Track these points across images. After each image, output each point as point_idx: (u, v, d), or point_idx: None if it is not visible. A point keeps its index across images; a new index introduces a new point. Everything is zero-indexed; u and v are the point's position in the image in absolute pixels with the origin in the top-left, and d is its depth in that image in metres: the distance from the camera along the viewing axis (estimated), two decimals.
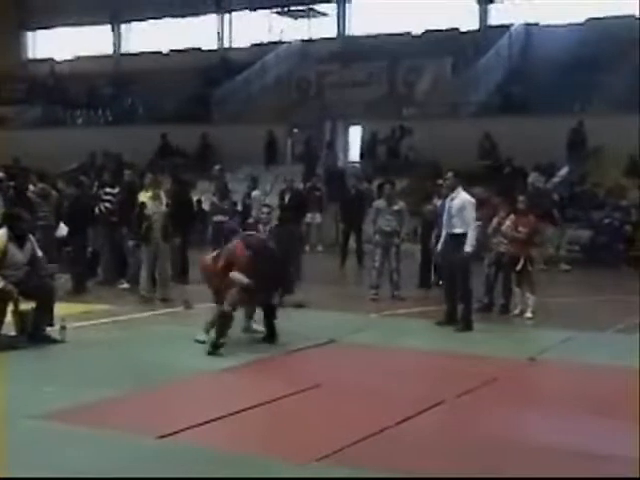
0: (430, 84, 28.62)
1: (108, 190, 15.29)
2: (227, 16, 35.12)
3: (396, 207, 14.12)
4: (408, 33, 31.07)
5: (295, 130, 29.76)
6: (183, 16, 35.16)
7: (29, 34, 39.28)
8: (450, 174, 11.68)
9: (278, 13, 33.86)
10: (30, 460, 5.95)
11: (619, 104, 24.29)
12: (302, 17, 33.53)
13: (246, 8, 34.34)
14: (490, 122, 25.48)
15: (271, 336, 10.12)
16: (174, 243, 14.40)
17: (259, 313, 10.36)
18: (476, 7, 30.53)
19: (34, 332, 9.83)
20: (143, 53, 35.81)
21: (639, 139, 21.77)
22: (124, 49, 37.31)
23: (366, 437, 6.49)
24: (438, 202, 13.25)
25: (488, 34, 29.60)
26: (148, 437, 6.44)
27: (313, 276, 15.82)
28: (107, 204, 15.03)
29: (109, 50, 37.28)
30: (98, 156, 28.04)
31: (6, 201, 15.24)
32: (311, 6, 33.01)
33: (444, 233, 11.58)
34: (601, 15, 27.96)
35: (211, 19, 35.21)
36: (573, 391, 8.42)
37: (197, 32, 35.02)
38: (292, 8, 33.20)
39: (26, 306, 9.89)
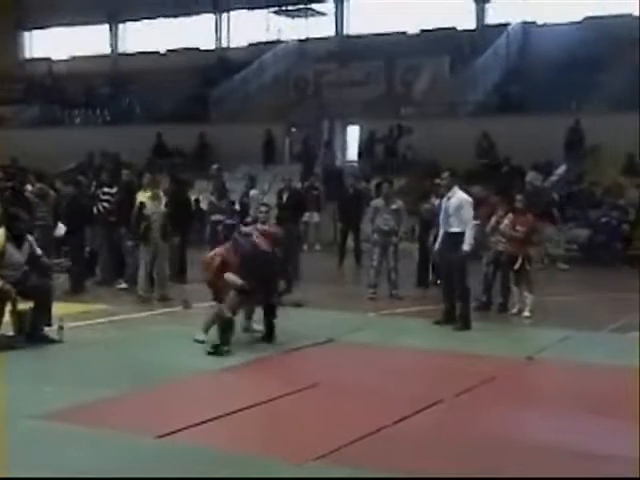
0: (428, 83, 28.62)
1: (106, 190, 15.28)
2: (224, 15, 35.13)
3: (394, 206, 14.13)
4: (405, 32, 31.10)
5: (293, 129, 29.76)
6: (180, 16, 35.13)
7: (26, 34, 39.27)
8: (446, 174, 11.70)
9: (275, 12, 33.86)
10: (30, 460, 5.95)
11: (617, 103, 24.30)
12: (299, 16, 33.53)
13: (243, 7, 34.32)
14: (488, 121, 25.50)
15: (269, 335, 10.13)
16: (173, 243, 14.40)
17: (259, 312, 10.36)
18: (473, 6, 30.54)
19: (32, 332, 9.83)
20: (140, 53, 35.80)
21: (638, 138, 21.76)
22: (121, 49, 37.31)
23: (364, 436, 6.50)
24: (436, 201, 13.27)
25: (485, 33, 29.62)
26: (147, 437, 6.45)
27: (311, 275, 15.84)
28: (105, 204, 15.02)
29: (107, 50, 37.27)
30: (96, 156, 28.02)
31: (4, 201, 15.22)
32: (308, 5, 33.01)
33: (441, 232, 11.59)
34: (599, 14, 27.95)
35: (208, 19, 35.20)
36: (571, 390, 8.43)
37: (194, 32, 35.00)
38: (289, 7, 33.20)
39: (24, 306, 9.89)
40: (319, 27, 33.06)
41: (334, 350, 10.06)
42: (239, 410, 7.21)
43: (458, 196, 11.41)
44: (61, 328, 9.87)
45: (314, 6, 33.16)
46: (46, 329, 9.90)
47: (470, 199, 11.52)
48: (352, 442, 6.35)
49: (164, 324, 11.62)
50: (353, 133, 29.59)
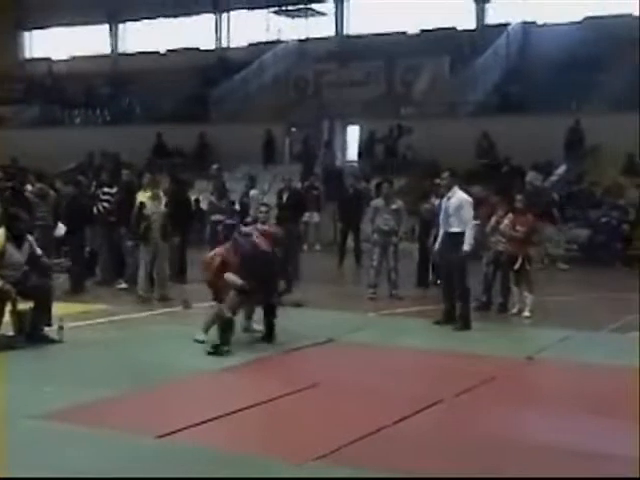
0: (428, 83, 28.62)
1: (106, 190, 15.28)
2: (224, 15, 35.13)
3: (394, 206, 14.13)
4: (405, 32, 31.10)
5: (293, 129, 29.76)
6: (180, 16, 35.13)
7: (26, 34, 39.28)
8: (446, 174, 11.70)
9: (275, 12, 33.86)
10: (30, 460, 5.95)
11: (617, 103, 24.31)
12: (299, 16, 33.53)
13: (243, 7, 34.33)
14: (488, 121, 25.50)
15: (269, 335, 10.13)
16: (173, 242, 14.41)
17: (259, 312, 10.36)
18: (473, 6, 30.54)
19: (32, 332, 9.83)
20: (140, 53, 35.81)
21: (638, 138, 21.75)
22: (121, 49, 37.31)
23: (364, 436, 6.50)
24: (436, 201, 13.27)
25: (485, 33, 29.62)
26: (147, 437, 6.45)
27: (311, 275, 15.84)
28: (105, 204, 15.02)
29: (107, 50, 37.27)
30: (96, 156, 28.03)
31: (4, 201, 15.22)
32: (308, 5, 33.01)
33: (441, 232, 11.59)
34: (599, 14, 27.95)
35: (208, 19, 35.20)
36: (571, 390, 8.43)
37: (194, 32, 35.00)
38: (290, 7, 33.20)
39: (24, 306, 9.89)
40: (319, 27, 33.06)
41: (334, 350, 10.06)
42: (239, 410, 7.21)
43: (458, 196, 11.41)
44: (61, 328, 9.87)
45: (314, 6, 33.16)
46: (46, 329, 9.90)
47: (470, 199, 11.52)
48: (352, 442, 6.35)
49: (164, 324, 11.62)
50: (353, 133, 29.60)
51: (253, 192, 19.13)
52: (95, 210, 15.04)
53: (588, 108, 24.90)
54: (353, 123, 29.45)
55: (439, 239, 11.70)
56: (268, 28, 34.17)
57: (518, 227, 12.39)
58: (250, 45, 34.07)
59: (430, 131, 25.26)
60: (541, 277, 14.46)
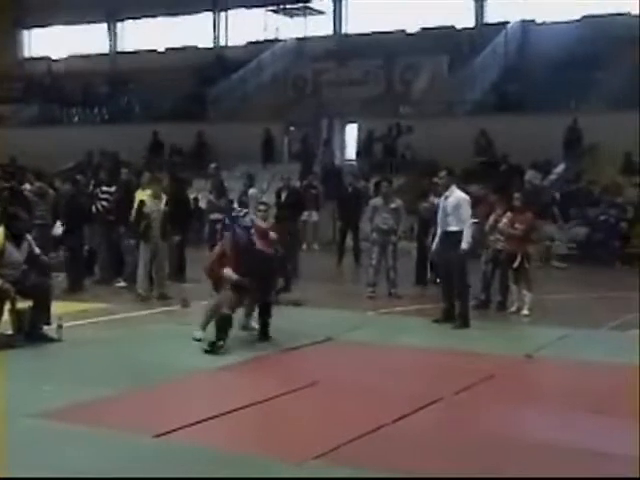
0: (427, 82, 28.62)
1: (105, 189, 15.29)
2: (223, 14, 35.13)
3: (393, 205, 14.13)
4: (404, 31, 31.09)
5: (292, 128, 29.76)
6: (179, 14, 35.11)
7: (25, 33, 39.26)
8: (444, 173, 11.71)
9: (274, 11, 33.84)
10: (29, 459, 5.95)
11: (615, 102, 24.32)
12: (298, 15, 33.51)
13: (242, 6, 34.31)
14: (486, 120, 25.51)
15: (264, 334, 10.12)
16: (172, 241, 14.41)
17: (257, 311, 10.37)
18: (472, 4, 30.54)
19: (31, 331, 9.83)
20: (139, 51, 35.82)
21: (638, 137, 21.74)
22: (120, 47, 37.30)
23: (363, 435, 6.49)
24: (435, 200, 13.26)
25: (484, 32, 29.61)
26: (145, 436, 6.44)
27: (310, 274, 15.84)
28: (104, 203, 15.02)
29: (105, 49, 37.27)
30: (95, 155, 28.03)
31: (2, 201, 15.23)
32: (307, 4, 33.00)
33: (439, 231, 11.59)
34: (597, 13, 27.97)
35: (207, 17, 35.20)
36: (570, 388, 8.42)
37: (193, 30, 35.00)
38: (288, 6, 33.19)
39: (23, 305, 9.89)
40: (317, 26, 33.04)
41: (333, 349, 10.06)
42: (237, 409, 7.20)
43: (456, 195, 11.42)
44: (60, 327, 9.88)
45: (312, 5, 33.17)
46: (45, 328, 9.90)
47: (468, 198, 11.54)
48: (351, 441, 6.35)
49: (163, 323, 11.62)
50: (352, 132, 29.60)
51: (252, 191, 19.07)
52: (94, 209, 15.04)
53: (586, 107, 24.93)
54: (352, 122, 29.46)
55: (437, 238, 11.70)
56: (266, 27, 34.17)
57: (517, 225, 12.39)
58: (248, 44, 34.06)
59: (429, 130, 25.25)
60: (540, 275, 14.47)
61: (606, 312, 12.68)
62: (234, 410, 7.17)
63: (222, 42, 35.17)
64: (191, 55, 34.05)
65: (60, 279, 13.71)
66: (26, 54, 39.34)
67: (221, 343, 9.34)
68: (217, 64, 33.67)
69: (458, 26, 30.62)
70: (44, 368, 8.89)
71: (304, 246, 20.39)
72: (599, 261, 19.35)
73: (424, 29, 30.69)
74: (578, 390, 8.27)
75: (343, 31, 32.81)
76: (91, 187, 16.38)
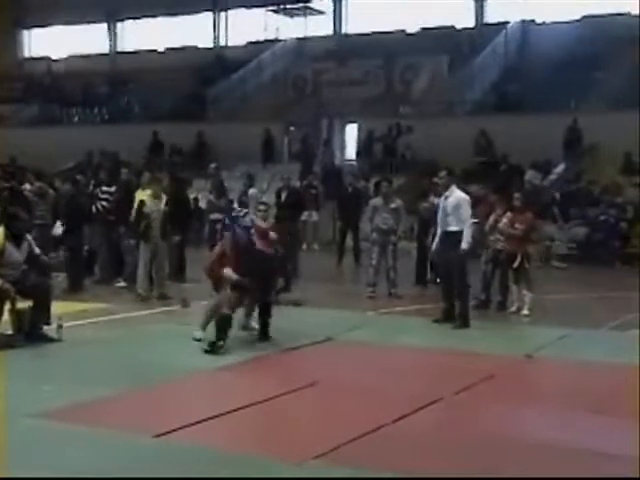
0: (427, 82, 28.62)
1: (105, 189, 15.29)
2: (223, 14, 35.13)
3: (393, 205, 14.13)
4: (404, 31, 31.09)
5: (292, 128, 29.76)
6: (179, 14, 35.11)
7: (25, 33, 39.27)
8: (443, 173, 11.72)
9: (274, 11, 33.84)
10: (28, 459, 5.95)
11: (615, 102, 24.32)
12: (298, 15, 33.52)
13: (242, 6, 34.31)
14: (486, 120, 25.51)
15: (264, 334, 10.12)
16: (172, 241, 14.41)
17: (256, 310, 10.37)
18: (472, 4, 30.54)
19: (31, 331, 9.83)
20: (139, 51, 35.82)
21: (638, 137, 21.73)
22: (120, 47, 37.31)
23: (363, 435, 6.49)
24: (435, 200, 13.26)
25: (484, 32, 29.61)
26: (144, 436, 6.44)
27: (310, 274, 15.84)
28: (104, 203, 15.02)
29: (105, 49, 37.27)
30: (95, 155, 28.04)
31: (3, 201, 15.24)
32: (307, 4, 33.00)
33: (439, 231, 11.59)
34: (597, 13, 27.97)
35: (207, 17, 35.20)
36: (570, 388, 8.42)
37: (193, 30, 35.01)
38: (288, 6, 33.20)
39: (23, 305, 9.89)
40: (317, 26, 33.05)
41: (333, 349, 10.06)
42: (237, 409, 7.20)
43: (456, 195, 11.42)
44: (60, 327, 9.88)
45: (312, 5, 33.17)
46: (45, 328, 9.90)
47: (468, 198, 11.54)
48: (351, 441, 6.35)
49: (163, 323, 11.61)
50: (352, 132, 29.60)
51: (252, 191, 19.07)
52: (94, 209, 15.05)
53: (586, 107, 24.93)
54: (352, 122, 29.46)
55: (437, 238, 11.70)
56: (266, 27, 34.18)
57: (517, 225, 12.39)
58: (248, 44, 34.07)
59: (429, 130, 25.27)
60: (540, 275, 14.46)
61: (606, 312, 12.67)
62: (234, 410, 7.16)
63: (222, 42, 35.18)
64: (191, 55, 34.05)
65: (60, 279, 13.72)
66: (26, 54, 39.34)
67: (221, 343, 9.34)
68: (217, 64, 33.67)
69: (458, 26, 30.62)
70: (44, 368, 8.90)
71: (304, 246, 20.39)
72: (599, 261, 19.35)
73: (424, 29, 30.69)
74: (578, 390, 8.27)
75: (343, 31, 32.82)
76: (91, 187, 16.39)
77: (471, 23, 30.60)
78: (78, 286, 14.10)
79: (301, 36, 33.21)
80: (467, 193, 11.83)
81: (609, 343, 10.55)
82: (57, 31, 37.92)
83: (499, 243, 12.59)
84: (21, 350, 9.51)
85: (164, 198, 13.64)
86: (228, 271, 9.69)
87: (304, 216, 20.14)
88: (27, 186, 17.06)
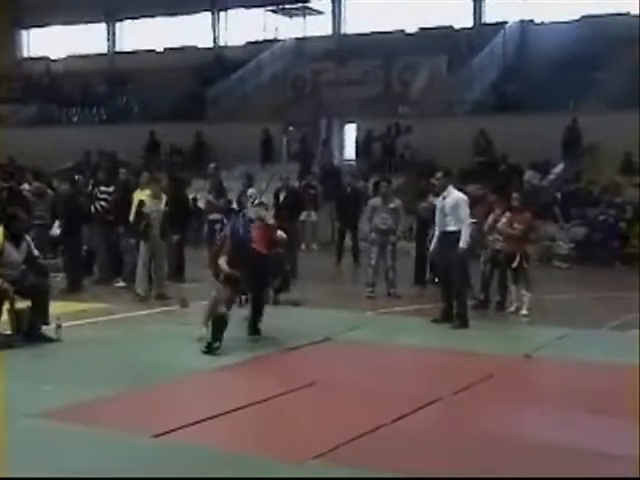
0: (425, 82, 28.63)
1: (103, 189, 15.28)
2: (222, 14, 35.13)
3: (392, 205, 14.12)
4: (403, 31, 31.10)
5: (290, 128, 29.76)
6: (177, 14, 35.11)
7: (24, 32, 39.25)
8: (440, 174, 11.73)
9: (273, 11, 33.85)
10: (28, 459, 5.94)
11: (614, 102, 24.32)
12: (297, 15, 33.51)
13: (241, 6, 34.32)
14: (485, 120, 25.52)
15: (254, 328, 10.12)
16: (171, 241, 14.41)
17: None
18: (471, 4, 30.54)
19: (30, 331, 9.83)
20: (138, 51, 35.81)
21: (638, 137, 21.72)
22: (118, 47, 37.30)
23: (362, 435, 6.49)
24: (434, 200, 13.26)
25: (483, 32, 29.62)
26: (143, 436, 6.44)
27: (309, 274, 15.83)
28: (103, 203, 15.02)
29: (104, 48, 37.26)
30: (93, 155, 28.02)
31: (1, 201, 15.24)
32: (306, 4, 33.00)
33: (437, 231, 11.59)
34: (596, 13, 27.99)
35: (206, 17, 35.20)
36: (569, 388, 8.42)
37: (192, 30, 35.01)
38: (287, 6, 33.20)
39: (22, 305, 9.88)
40: (317, 26, 33.05)
41: (332, 349, 10.06)
42: (236, 409, 7.20)
43: (454, 195, 11.43)
44: (59, 327, 9.87)
45: (311, 5, 33.16)
46: (44, 328, 9.89)
47: (466, 197, 11.55)
48: (350, 441, 6.34)
49: (162, 323, 11.61)
50: (351, 132, 29.59)
51: (251, 191, 19.11)
52: (93, 209, 15.04)
53: (586, 107, 24.93)
54: (351, 122, 29.46)
55: (435, 238, 11.69)
56: (265, 27, 34.18)
57: (515, 225, 12.38)
58: (247, 44, 34.06)
59: (428, 130, 25.27)
60: (539, 275, 14.45)
61: (606, 312, 12.66)
62: (233, 410, 7.16)
63: (221, 42, 35.17)
64: (190, 55, 34.04)
65: (59, 279, 13.71)
66: (25, 54, 39.33)
67: (217, 344, 9.32)
68: (216, 64, 33.66)
69: (457, 26, 30.62)
70: (43, 368, 8.89)
71: (303, 246, 20.38)
72: (598, 261, 19.34)
73: (423, 29, 30.70)
74: (577, 390, 8.26)
75: (342, 31, 32.82)
76: (90, 187, 16.38)
77: (470, 23, 30.60)
78: (77, 286, 14.09)
79: (300, 36, 33.21)
80: (465, 193, 11.84)
81: (609, 343, 10.54)
82: (56, 31, 37.91)
83: (498, 243, 12.58)
84: (20, 350, 9.51)
85: (164, 198, 13.65)
86: (222, 261, 9.72)
87: (303, 216, 20.14)
88: (26, 186, 17.07)
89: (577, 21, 28.46)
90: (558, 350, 10.06)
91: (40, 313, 9.89)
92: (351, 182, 20.53)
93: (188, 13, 35.13)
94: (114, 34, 37.32)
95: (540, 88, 26.10)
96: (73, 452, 6.13)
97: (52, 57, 37.51)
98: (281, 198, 17.29)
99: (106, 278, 14.98)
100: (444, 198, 11.46)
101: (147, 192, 13.51)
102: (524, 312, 12.21)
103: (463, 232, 11.19)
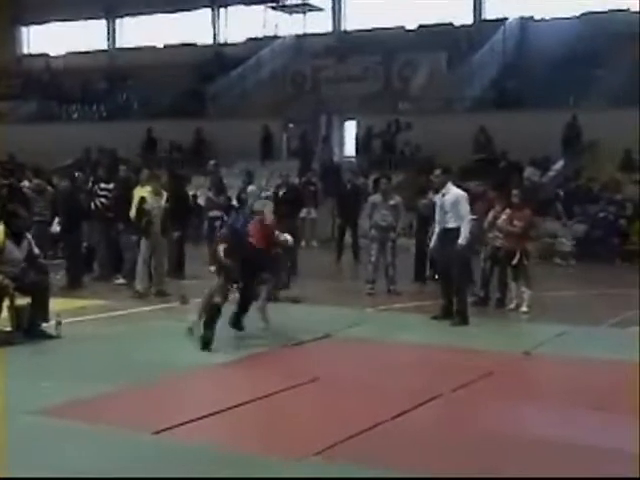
0: (425, 79, 28.61)
1: (103, 186, 15.28)
2: (222, 11, 35.11)
3: (392, 202, 14.12)
4: (403, 27, 31.10)
5: (290, 125, 29.74)
6: (177, 11, 35.08)
7: (24, 29, 39.23)
8: (438, 171, 11.73)
9: (273, 8, 33.79)
10: (28, 456, 5.94)
11: (615, 98, 24.33)
12: (297, 12, 33.47)
13: (241, 2, 34.30)
14: (485, 117, 25.52)
15: (237, 321, 10.02)
16: (171, 237, 14.41)
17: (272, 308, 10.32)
18: (470, 1, 30.52)
19: (30, 328, 9.83)
20: (137, 48, 35.76)
21: (638, 134, 21.71)
22: (118, 44, 37.27)
23: (362, 431, 6.49)
24: (434, 197, 13.26)
25: (482, 28, 29.61)
26: (144, 433, 6.44)
27: (309, 271, 15.83)
28: (102, 199, 15.02)
29: (104, 45, 37.25)
30: (93, 152, 28.01)
31: (1, 198, 15.24)
32: (306, 1, 32.96)
33: (437, 229, 11.59)
34: (597, 9, 27.97)
35: (205, 14, 35.18)
36: (568, 385, 8.43)
37: (192, 27, 34.98)
38: (287, 3, 33.16)
39: (22, 302, 9.89)
40: (316, 22, 33.02)
41: (332, 345, 10.06)
42: (236, 405, 7.20)
43: (453, 192, 11.43)
44: (59, 323, 9.88)
45: (311, 1, 33.08)
46: (44, 325, 9.90)
47: (465, 194, 11.54)
48: (350, 437, 6.34)
49: (162, 319, 11.61)
50: (351, 128, 29.58)
51: (251, 188, 19.11)
52: (92, 206, 15.04)
53: (586, 104, 24.92)
54: (351, 118, 29.44)
55: (435, 235, 11.69)
56: (265, 23, 34.11)
57: (515, 222, 12.37)
58: (247, 40, 34.03)
59: (427, 127, 25.26)
60: (539, 272, 14.45)
61: (606, 309, 12.67)
62: (234, 406, 7.16)
63: (221, 39, 35.15)
64: (190, 52, 34.03)
65: (59, 277, 13.71)
66: (24, 51, 39.32)
67: (209, 335, 9.29)
68: (216, 61, 33.64)
69: (456, 23, 30.59)
70: (43, 365, 8.90)
71: (302, 243, 20.38)
72: (598, 258, 19.34)
73: (423, 26, 30.68)
74: (577, 387, 8.27)
75: (342, 28, 32.81)
76: (89, 184, 16.38)
77: (469, 20, 30.58)
78: (77, 283, 14.10)
79: (300, 33, 33.17)
80: (465, 190, 11.84)
81: (609, 340, 10.55)
82: (55, 28, 37.88)
83: (498, 240, 12.58)
84: (20, 347, 9.51)
85: (165, 195, 13.65)
86: (220, 248, 9.75)
87: (303, 213, 20.15)
88: (26, 183, 17.06)
89: (577, 18, 28.45)
90: (558, 347, 10.06)
91: (40, 310, 9.89)
92: (351, 179, 20.53)
93: (188, 10, 35.11)
94: (114, 31, 37.30)
95: (540, 85, 26.10)
96: (73, 449, 6.14)
97: (52, 54, 37.48)
98: (281, 195, 17.29)
99: (106, 275, 14.99)
100: (443, 195, 11.47)
101: (148, 189, 13.50)
102: (524, 309, 12.22)
103: (463, 228, 11.19)
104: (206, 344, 9.27)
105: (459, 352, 9.65)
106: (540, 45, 28.23)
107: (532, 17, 29.71)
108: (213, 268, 9.87)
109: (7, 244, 9.81)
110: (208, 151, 27.46)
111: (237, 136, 27.08)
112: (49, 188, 16.20)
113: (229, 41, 34.96)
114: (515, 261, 12.26)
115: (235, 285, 10.12)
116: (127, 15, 36.84)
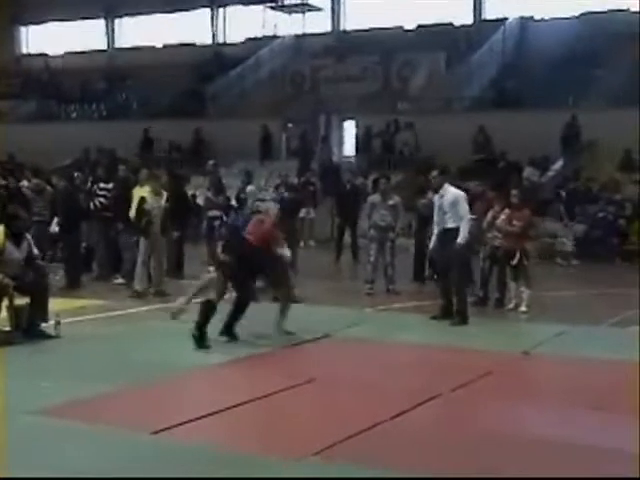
0: (424, 79, 28.61)
1: (102, 185, 15.28)
2: (221, 11, 35.10)
3: (391, 202, 14.12)
4: (402, 27, 31.09)
5: (289, 125, 29.73)
6: (176, 11, 35.08)
7: (23, 29, 39.23)
8: (436, 172, 11.73)
9: (272, 8, 33.79)
10: (28, 456, 5.94)
11: (614, 98, 24.33)
12: (296, 12, 33.47)
13: (240, 2, 34.30)
14: (484, 117, 25.50)
15: (228, 329, 9.79)
16: (171, 237, 14.40)
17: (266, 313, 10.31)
18: (470, 1, 30.52)
19: (29, 327, 9.83)
20: (137, 48, 35.77)
21: (638, 133, 21.70)
22: (118, 44, 37.26)
23: (361, 431, 6.49)
24: (433, 197, 13.26)
25: (482, 28, 29.60)
26: (143, 433, 6.44)
27: (308, 271, 15.80)
28: (102, 199, 15.02)
29: (103, 45, 37.24)
30: (92, 152, 28.00)
31: (1, 199, 15.23)
32: (305, 1, 32.97)
33: (437, 229, 11.58)
34: (596, 9, 27.97)
35: (205, 14, 35.17)
36: (568, 384, 8.43)
37: (191, 27, 34.97)
38: (286, 3, 33.16)
39: (21, 301, 9.88)
40: (315, 22, 33.02)
41: (331, 345, 10.07)
42: (235, 405, 7.20)
43: (452, 192, 11.43)
44: (58, 323, 9.88)
45: (310, 1, 33.08)
46: (43, 325, 9.90)
47: (464, 194, 11.55)
48: (350, 437, 6.34)
49: (161, 319, 11.58)
50: (350, 128, 29.58)
51: (250, 188, 19.11)
52: (92, 206, 15.04)
53: (585, 104, 24.92)
54: (350, 118, 29.44)
55: (434, 236, 11.69)
56: (264, 23, 34.12)
57: (514, 222, 12.38)
58: (247, 40, 34.03)
59: (427, 127, 25.26)
60: (538, 272, 14.45)
61: (605, 309, 12.67)
62: (232, 406, 7.16)
63: (220, 39, 35.14)
64: (189, 52, 34.03)
65: (58, 278, 13.71)
66: (24, 50, 39.31)
67: (204, 329, 9.27)
68: (215, 61, 33.64)
69: (456, 23, 30.59)
70: (42, 365, 8.88)
71: (301, 243, 20.37)
72: (598, 258, 19.34)
73: (421, 26, 30.67)
74: (576, 387, 8.27)
75: (341, 28, 32.80)
76: (89, 184, 16.37)
77: (469, 20, 30.58)
78: (76, 283, 14.10)
79: (299, 33, 33.18)
80: (464, 190, 11.84)
81: (608, 340, 10.55)
82: (54, 27, 37.87)
83: (497, 240, 12.58)
84: (19, 347, 9.51)
85: (164, 194, 13.65)
86: (218, 244, 9.80)
87: (302, 213, 20.15)
88: (25, 183, 17.05)
89: (577, 18, 28.44)
90: (557, 347, 10.06)
91: (39, 310, 9.89)
92: (350, 179, 20.54)
93: (187, 10, 35.10)
94: (113, 30, 37.29)
95: (539, 85, 26.09)
96: (72, 449, 6.13)
97: (51, 53, 37.47)
98: (287, 197, 17.28)
99: (105, 275, 14.99)
100: (442, 196, 11.47)
101: (147, 189, 13.50)
102: (523, 309, 12.22)
103: (462, 228, 11.20)
104: (201, 342, 9.26)
105: (458, 352, 9.65)
106: (540, 45, 28.23)
107: (532, 17, 29.71)
108: (212, 268, 9.89)
109: (7, 245, 9.82)
110: (207, 151, 27.46)
111: (236, 136, 27.06)
112: (48, 188, 16.19)
113: (228, 41, 34.95)
114: (515, 261, 12.26)
115: (231, 284, 10.12)
116: (126, 15, 36.84)
